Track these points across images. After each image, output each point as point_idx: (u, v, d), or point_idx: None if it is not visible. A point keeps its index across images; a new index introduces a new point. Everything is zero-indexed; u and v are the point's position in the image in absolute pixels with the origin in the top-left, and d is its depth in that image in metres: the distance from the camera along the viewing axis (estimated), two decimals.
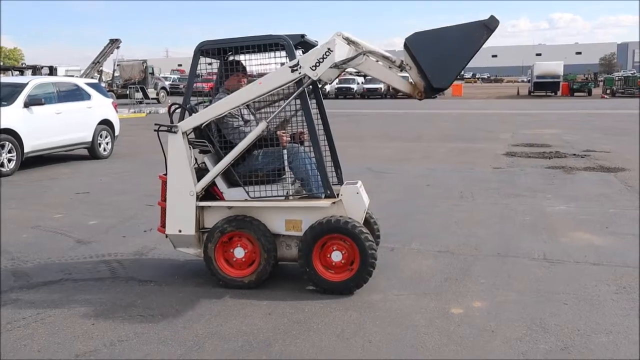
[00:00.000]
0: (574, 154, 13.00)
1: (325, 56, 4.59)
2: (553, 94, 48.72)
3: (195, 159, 5.10)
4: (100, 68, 40.24)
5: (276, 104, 5.32)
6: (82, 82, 13.66)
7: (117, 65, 40.34)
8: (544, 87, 49.01)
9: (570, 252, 5.85)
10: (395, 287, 4.95)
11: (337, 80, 54.92)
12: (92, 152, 13.18)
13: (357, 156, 12.83)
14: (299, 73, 4.64)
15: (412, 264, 5.56)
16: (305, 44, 4.99)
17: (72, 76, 38.82)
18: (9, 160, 10.92)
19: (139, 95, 36.21)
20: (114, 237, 6.65)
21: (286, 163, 4.91)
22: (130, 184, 10.09)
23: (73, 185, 9.94)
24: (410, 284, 5.01)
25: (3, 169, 10.76)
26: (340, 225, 4.66)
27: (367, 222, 5.37)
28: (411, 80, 4.69)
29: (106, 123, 13.49)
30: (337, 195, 4.86)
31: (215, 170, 4.83)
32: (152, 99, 36.53)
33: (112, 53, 39.89)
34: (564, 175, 10.48)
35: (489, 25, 4.42)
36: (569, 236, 6.48)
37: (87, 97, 13.09)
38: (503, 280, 5.08)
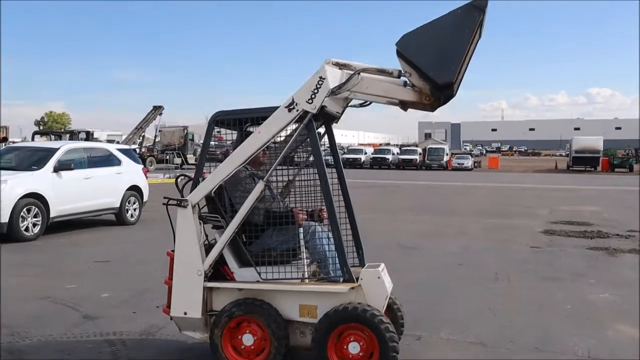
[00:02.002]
0: (617, 234, 12.29)
1: (318, 86, 4.28)
2: (592, 169, 47.83)
3: (206, 235, 4.78)
4: (143, 133, 41.30)
5: (290, 173, 5.02)
6: (113, 148, 13.74)
7: (159, 131, 41.34)
8: (583, 161, 48.29)
9: (618, 351, 5.25)
10: None
11: (372, 150, 55.25)
12: (119, 218, 13.05)
13: (388, 230, 12.39)
14: (297, 110, 4.33)
15: (440, 358, 5.03)
16: (325, 115, 4.68)
17: (114, 140, 39.96)
18: (34, 225, 10.81)
19: (178, 160, 36.82)
20: (124, 312, 6.30)
21: (302, 242, 4.54)
22: (152, 253, 9.79)
23: (94, 253, 9.71)
24: None
25: (27, 234, 10.65)
26: (359, 313, 4.23)
27: (390, 308, 4.92)
28: (416, 88, 4.30)
29: (135, 189, 13.39)
30: (357, 279, 4.44)
31: (220, 242, 4.49)
32: (191, 164, 37.01)
33: (154, 119, 41.05)
34: (607, 257, 9.83)
35: (478, 5, 4.06)
36: (615, 329, 5.87)
37: (118, 162, 13.08)
38: None
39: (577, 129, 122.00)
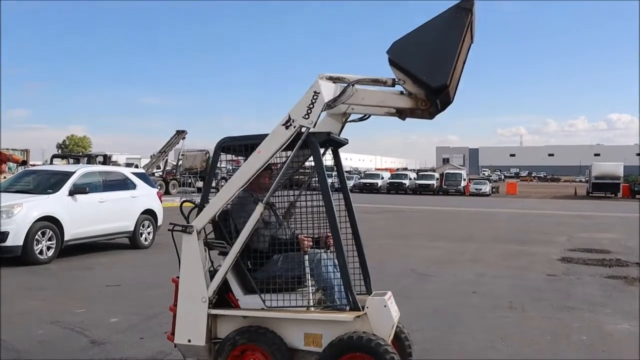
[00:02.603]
0: (637, 263, 12.04)
1: (314, 100, 4.24)
2: (613, 195, 47.21)
3: (212, 262, 4.74)
4: (166, 157, 41.77)
5: (293, 196, 4.99)
6: (128, 172, 13.84)
7: (182, 155, 41.75)
8: (603, 188, 47.76)
9: None
10: None
11: (389, 175, 55.07)
12: (133, 241, 13.08)
13: (402, 256, 12.27)
14: (294, 127, 4.29)
15: None
16: (332, 142, 4.68)
17: (132, 164, 40.43)
18: (48, 248, 10.87)
19: (200, 184, 37.16)
20: (131, 337, 6.27)
21: (307, 270, 4.49)
22: (164, 278, 9.63)
23: (106, 277, 9.72)
24: None
25: (42, 257, 10.69)
26: (364, 342, 4.14)
27: (398, 337, 4.81)
28: (411, 95, 4.28)
29: (149, 213, 13.45)
30: (363, 307, 4.37)
31: (223, 267, 4.45)
32: (213, 187, 37.28)
33: (177, 143, 41.54)
34: (625, 286, 9.62)
35: (464, 6, 4.06)
36: None
37: (133, 186, 13.17)
38: None
39: (597, 154, 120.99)
